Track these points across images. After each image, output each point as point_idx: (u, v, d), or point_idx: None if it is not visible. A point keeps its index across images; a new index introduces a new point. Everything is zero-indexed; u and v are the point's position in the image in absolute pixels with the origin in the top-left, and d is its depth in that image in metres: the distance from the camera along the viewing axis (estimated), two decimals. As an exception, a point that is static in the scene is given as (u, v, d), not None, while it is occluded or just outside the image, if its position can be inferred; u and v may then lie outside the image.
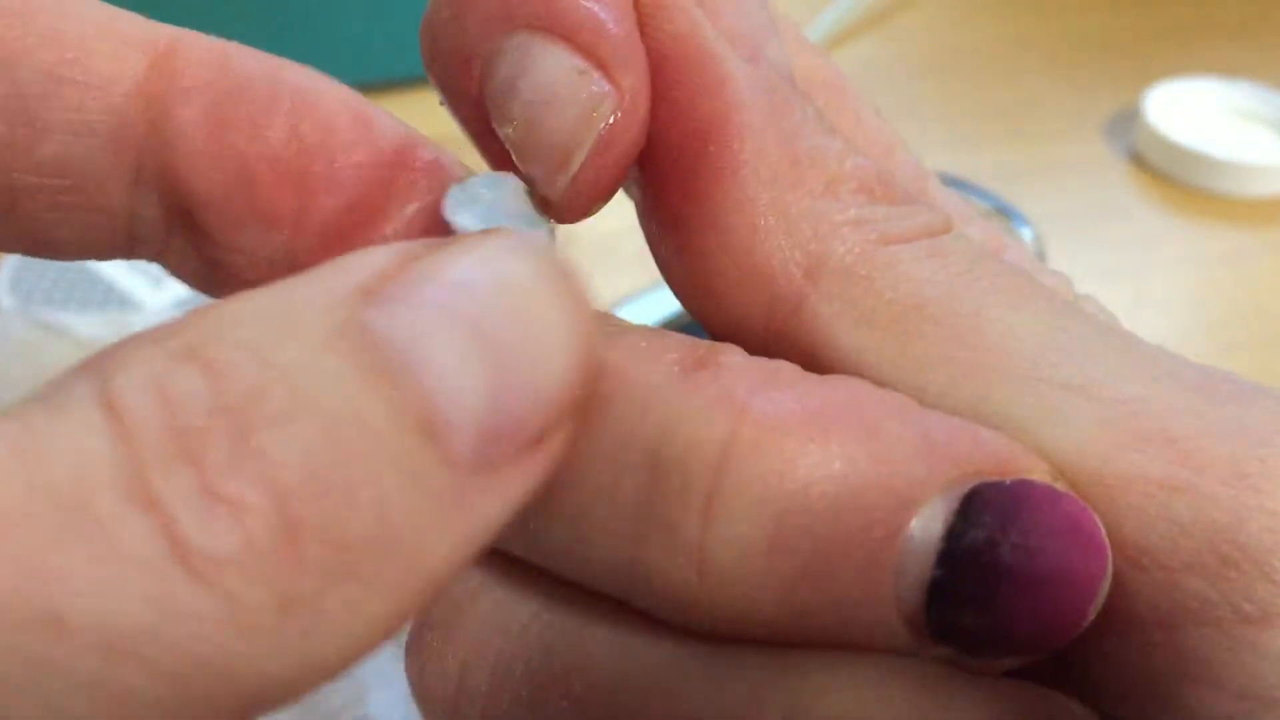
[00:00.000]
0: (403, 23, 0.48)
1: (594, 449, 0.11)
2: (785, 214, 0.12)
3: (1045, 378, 0.11)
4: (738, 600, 0.10)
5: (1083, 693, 0.11)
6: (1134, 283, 0.38)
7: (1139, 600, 0.10)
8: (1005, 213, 0.23)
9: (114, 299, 0.31)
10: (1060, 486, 0.10)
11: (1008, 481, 0.10)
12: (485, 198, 0.12)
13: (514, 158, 0.12)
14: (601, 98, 0.11)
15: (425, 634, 0.12)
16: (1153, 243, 0.40)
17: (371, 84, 0.45)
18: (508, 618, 0.12)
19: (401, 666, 0.25)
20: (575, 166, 0.11)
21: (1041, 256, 0.22)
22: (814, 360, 0.11)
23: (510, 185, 0.12)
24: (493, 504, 0.09)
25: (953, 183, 0.23)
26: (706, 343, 0.11)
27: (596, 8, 0.11)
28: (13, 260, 0.32)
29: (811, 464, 0.10)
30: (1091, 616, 0.10)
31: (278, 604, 0.08)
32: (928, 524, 0.10)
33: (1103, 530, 0.10)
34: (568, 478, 0.10)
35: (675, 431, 0.10)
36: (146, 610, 0.08)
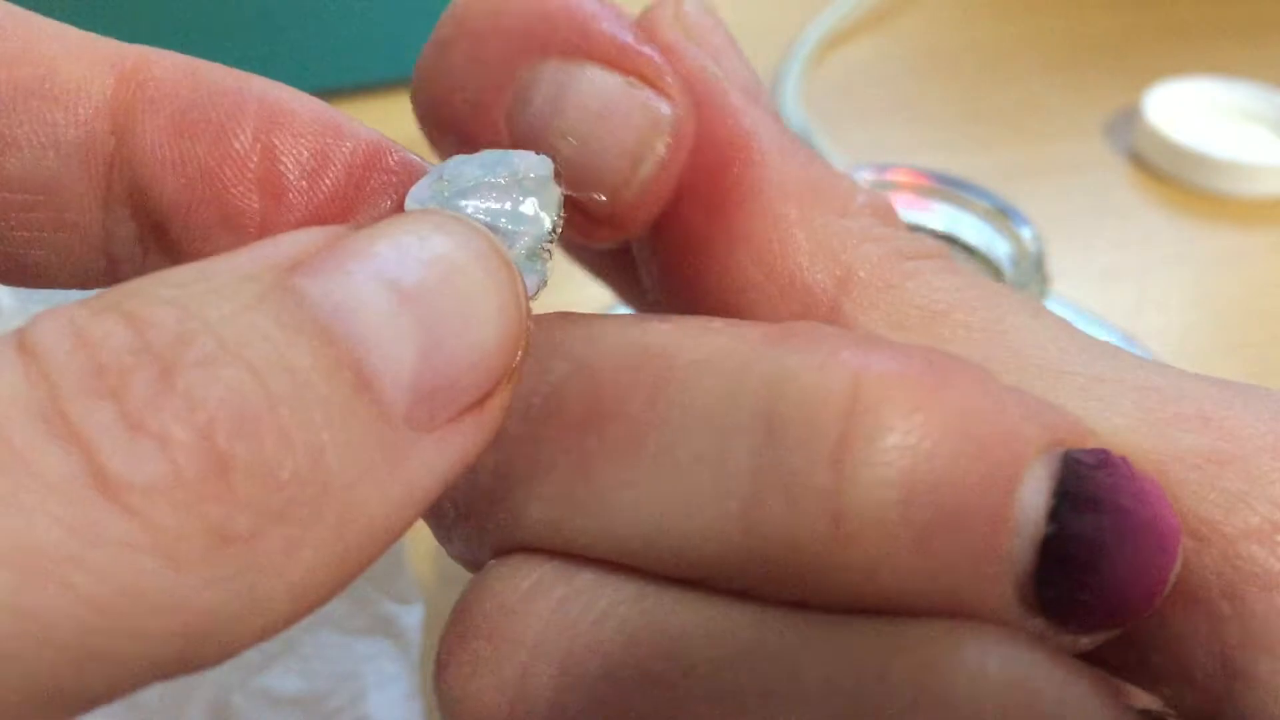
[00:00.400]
0: (384, 27, 0.48)
1: (688, 418, 0.10)
2: (812, 229, 0.12)
3: (1078, 370, 0.11)
4: (872, 554, 0.10)
5: (1145, 685, 0.11)
6: (1134, 282, 0.38)
7: (1203, 572, 0.10)
8: (1005, 212, 0.23)
9: (113, 299, 0.31)
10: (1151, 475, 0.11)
11: (1092, 448, 0.10)
12: (467, 177, 0.11)
13: (564, 179, 0.12)
14: (659, 106, 0.11)
15: (468, 644, 0.12)
16: (1153, 242, 0.40)
17: (356, 87, 0.45)
18: (578, 614, 0.11)
19: (401, 666, 0.25)
20: (646, 171, 0.11)
21: (1042, 256, 0.22)
22: None
23: (523, 163, 0.11)
24: (433, 462, 0.09)
25: (953, 183, 0.23)
26: (778, 323, 0.11)
27: (629, 35, 0.12)
28: (12, 260, 0.32)
29: (939, 412, 0.10)
30: (1173, 580, 0.10)
31: (209, 537, 0.08)
32: (1036, 484, 0.10)
33: (1165, 492, 0.10)
34: (662, 447, 0.10)
35: (789, 388, 0.10)
36: (66, 535, 0.08)
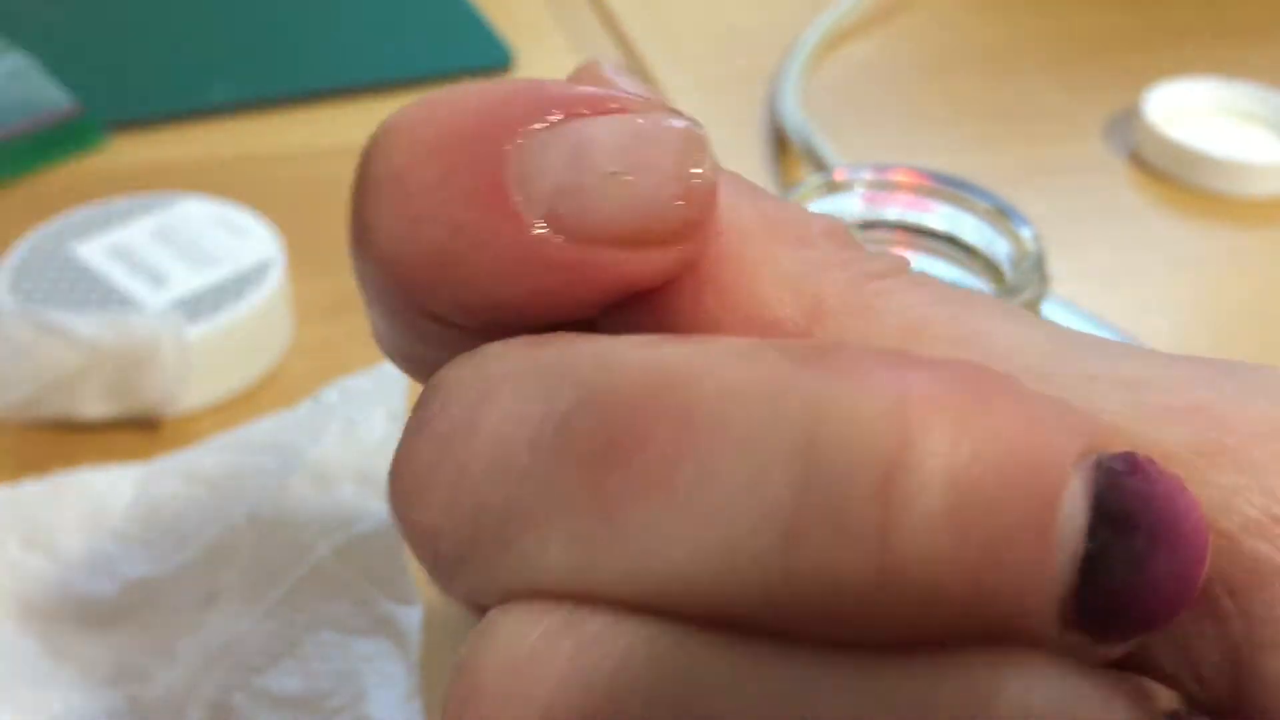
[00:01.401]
0: (381, 27, 0.48)
1: (718, 454, 0.10)
2: (775, 264, 0.12)
3: (1063, 372, 0.11)
4: (922, 587, 0.10)
5: (1158, 681, 0.11)
6: (1134, 282, 0.38)
7: (1207, 569, 0.10)
8: (1005, 212, 0.23)
9: (114, 299, 0.31)
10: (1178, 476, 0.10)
11: (1120, 452, 0.10)
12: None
13: (611, 214, 0.11)
14: (683, 123, 0.11)
15: (474, 708, 0.11)
16: (1153, 242, 0.40)
17: (356, 87, 0.45)
18: (593, 667, 0.10)
19: (401, 666, 0.25)
20: (701, 182, 0.11)
21: (1042, 256, 0.22)
22: None
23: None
24: None
25: (953, 183, 0.23)
26: (799, 341, 0.11)
27: (600, 91, 0.11)
28: (13, 260, 0.32)
29: (981, 434, 0.10)
30: (1203, 578, 0.10)
31: None
32: (1076, 497, 0.10)
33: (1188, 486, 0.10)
34: (693, 482, 0.10)
35: (829, 414, 0.10)
36: None
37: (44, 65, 0.42)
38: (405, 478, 0.11)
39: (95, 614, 0.25)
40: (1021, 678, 0.10)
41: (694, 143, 0.11)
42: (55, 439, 0.30)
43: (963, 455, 0.09)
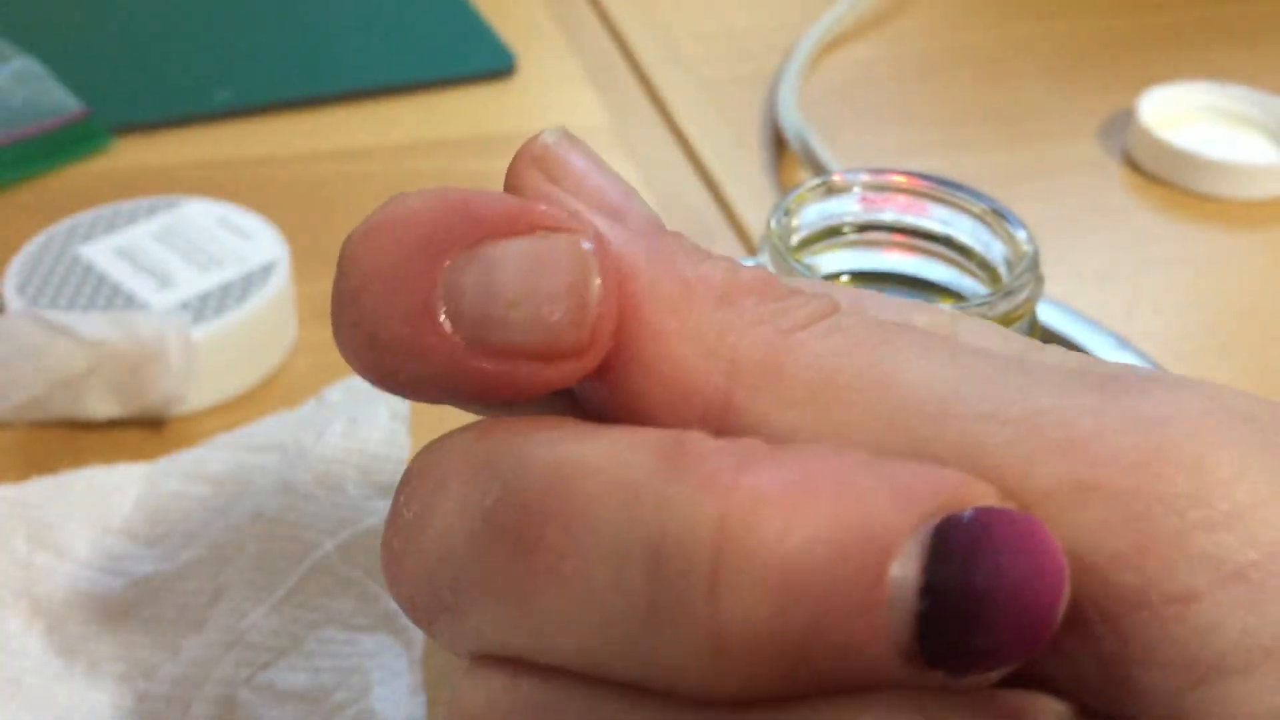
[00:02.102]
0: (386, 32, 0.48)
1: (593, 548, 0.11)
2: (695, 335, 0.12)
3: (959, 413, 0.12)
4: (755, 666, 0.11)
5: (1060, 693, 0.12)
6: (1128, 284, 0.38)
7: (1081, 597, 0.11)
8: (1001, 214, 0.23)
9: (120, 300, 0.31)
10: (1009, 504, 0.11)
11: (968, 511, 0.11)
12: None
13: (517, 341, 0.12)
14: (578, 241, 0.12)
15: None
16: (1146, 244, 0.40)
17: (359, 91, 0.45)
18: (529, 714, 0.12)
19: (405, 662, 0.25)
20: (593, 299, 0.12)
21: (1037, 258, 0.22)
22: None
23: None
24: None
25: (948, 185, 0.24)
26: (675, 432, 0.12)
27: (514, 203, 0.12)
28: (18, 261, 0.32)
29: (800, 528, 0.11)
30: (1060, 617, 0.11)
31: None
32: (906, 563, 0.11)
33: (1050, 534, 0.11)
34: (577, 575, 0.11)
35: (669, 519, 0.11)
36: None
37: (51, 69, 0.42)
38: (386, 557, 0.13)
39: (102, 611, 0.26)
40: (871, 712, 0.11)
41: (585, 265, 0.12)
42: (62, 438, 0.30)
43: (783, 545, 0.11)
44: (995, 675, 0.11)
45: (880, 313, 0.14)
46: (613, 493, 0.11)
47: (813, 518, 0.11)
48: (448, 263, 0.12)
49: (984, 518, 0.11)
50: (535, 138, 0.14)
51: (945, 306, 0.20)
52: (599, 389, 0.13)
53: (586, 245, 0.12)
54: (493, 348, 0.12)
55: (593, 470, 0.12)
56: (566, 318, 0.12)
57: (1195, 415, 0.11)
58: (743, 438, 0.12)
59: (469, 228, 0.12)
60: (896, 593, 0.11)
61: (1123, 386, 0.12)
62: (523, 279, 0.12)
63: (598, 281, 0.12)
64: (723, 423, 0.12)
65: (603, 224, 0.13)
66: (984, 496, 0.11)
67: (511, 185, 0.14)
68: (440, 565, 0.13)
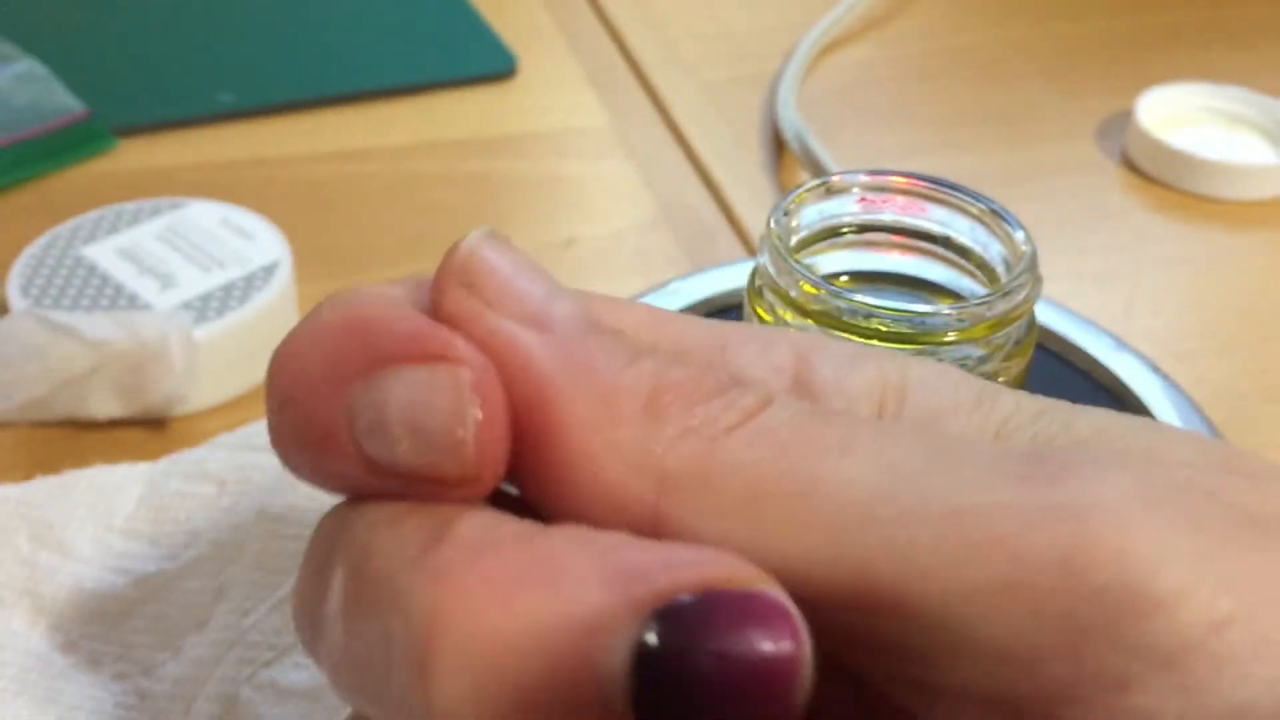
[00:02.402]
0: (387, 33, 0.48)
1: (362, 625, 0.12)
2: (620, 452, 0.13)
3: (881, 517, 0.12)
4: None
5: None
6: (1126, 284, 0.39)
7: (1016, 694, 0.11)
8: (999, 215, 0.23)
9: (122, 300, 0.32)
10: (759, 588, 0.11)
11: (689, 597, 0.11)
12: None
13: (408, 469, 0.13)
14: (457, 375, 0.13)
15: None
16: (1144, 244, 0.40)
17: (360, 93, 0.45)
18: None
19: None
20: (471, 433, 0.13)
21: (1035, 258, 0.22)
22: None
23: None
24: None
25: (947, 186, 0.24)
26: (449, 512, 0.13)
27: (404, 327, 0.13)
28: (22, 261, 0.33)
29: (503, 617, 0.11)
30: (800, 699, 0.11)
31: None
32: (615, 652, 0.11)
33: (795, 619, 0.11)
34: (374, 643, 0.12)
35: (400, 605, 0.12)
36: None
37: (55, 71, 0.42)
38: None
39: (104, 609, 0.26)
40: None
41: (461, 399, 0.13)
42: (65, 438, 0.31)
43: (484, 638, 0.11)
44: None
45: (828, 367, 0.14)
46: (380, 578, 0.12)
47: (513, 608, 0.11)
48: (347, 389, 0.13)
49: (709, 602, 0.11)
50: (456, 246, 0.14)
51: (900, 350, 0.20)
52: (531, 496, 0.13)
53: (466, 377, 0.12)
54: (391, 471, 0.13)
55: (376, 553, 0.13)
56: (445, 452, 0.13)
57: (1118, 503, 0.11)
58: (510, 523, 0.12)
59: (367, 355, 0.13)
60: (607, 680, 0.11)
61: (1048, 475, 0.12)
62: (406, 411, 0.13)
63: (476, 415, 0.12)
64: (655, 531, 0.13)
65: (522, 338, 0.13)
66: (733, 581, 0.11)
67: (434, 299, 0.14)
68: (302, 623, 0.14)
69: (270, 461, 0.29)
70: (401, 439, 0.13)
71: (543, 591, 0.11)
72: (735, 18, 0.51)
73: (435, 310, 0.13)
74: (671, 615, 0.11)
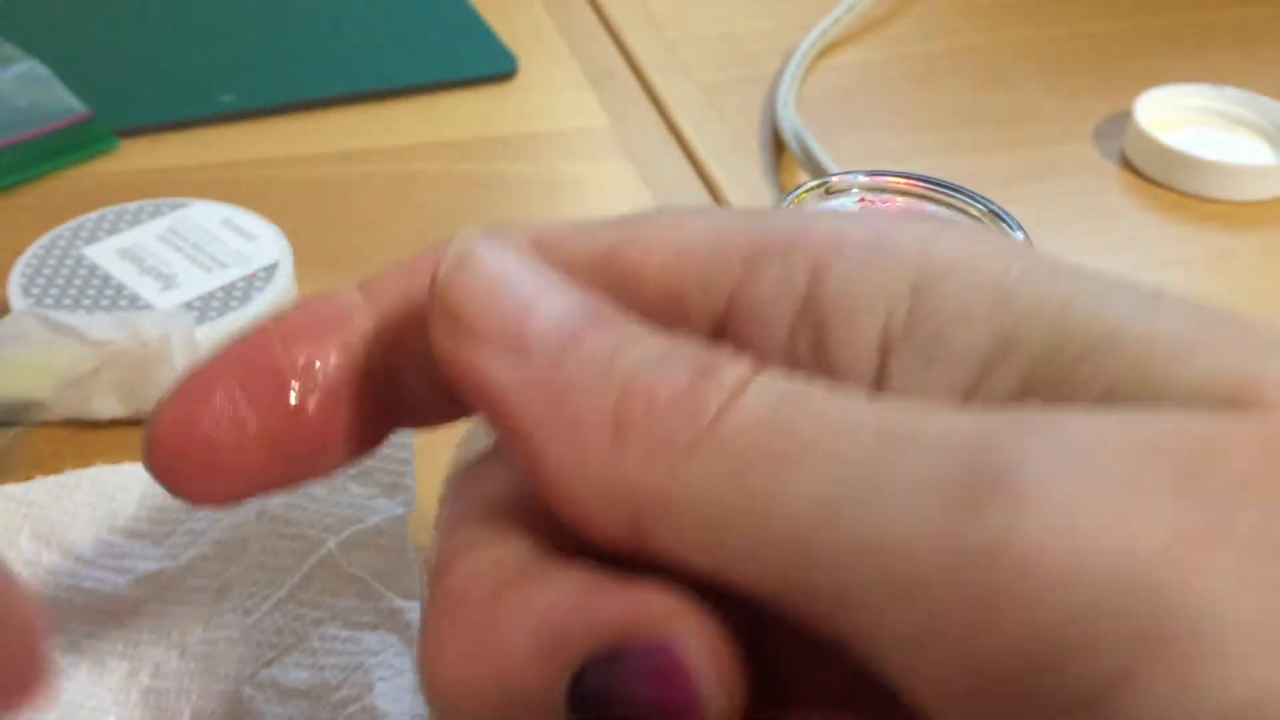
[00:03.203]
0: (388, 35, 0.49)
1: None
2: (595, 488, 0.13)
3: (820, 556, 0.12)
4: None
5: None
6: (1124, 285, 0.39)
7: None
8: (997, 215, 0.23)
9: (124, 300, 0.32)
10: (669, 636, 0.12)
11: (603, 655, 0.12)
12: None
13: None
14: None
15: None
16: (1142, 245, 0.40)
17: (362, 94, 0.45)
18: None
19: (407, 660, 0.25)
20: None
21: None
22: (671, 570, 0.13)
23: None
24: None
25: (946, 187, 0.24)
26: (449, 552, 0.14)
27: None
28: (23, 262, 0.33)
29: (459, 681, 0.13)
30: None
31: None
32: (553, 701, 0.13)
33: (692, 667, 0.12)
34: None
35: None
36: None
37: (57, 72, 0.43)
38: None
39: (107, 608, 0.26)
40: None
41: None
42: (67, 438, 0.31)
43: (447, 698, 0.13)
44: None
45: (838, 279, 0.14)
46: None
47: (474, 672, 0.13)
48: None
49: (617, 658, 0.12)
50: (439, 262, 0.14)
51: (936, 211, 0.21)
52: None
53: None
54: None
55: (457, 578, 0.14)
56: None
57: (1039, 530, 0.11)
58: (487, 576, 0.14)
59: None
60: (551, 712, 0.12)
61: (973, 496, 0.11)
62: None
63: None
64: (640, 551, 0.13)
65: (498, 377, 0.13)
66: (645, 634, 0.12)
67: (432, 339, 0.14)
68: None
69: (271, 461, 0.29)
70: None
71: (488, 664, 0.13)
72: (735, 19, 0.51)
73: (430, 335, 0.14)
74: (587, 672, 0.12)
